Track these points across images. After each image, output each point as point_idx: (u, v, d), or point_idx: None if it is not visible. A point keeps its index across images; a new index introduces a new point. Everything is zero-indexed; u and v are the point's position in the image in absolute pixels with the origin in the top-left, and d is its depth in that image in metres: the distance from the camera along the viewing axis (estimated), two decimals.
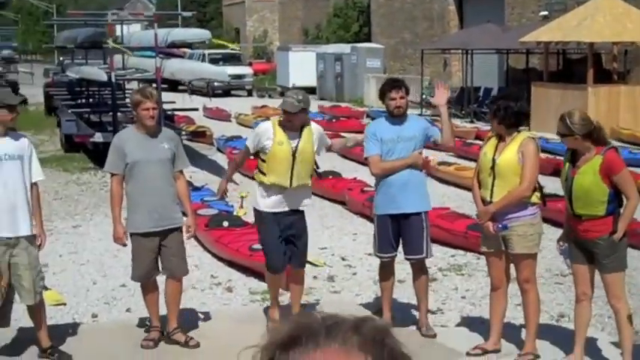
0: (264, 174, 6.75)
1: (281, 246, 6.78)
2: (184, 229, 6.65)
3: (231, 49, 37.25)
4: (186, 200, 6.76)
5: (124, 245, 6.46)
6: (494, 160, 6.19)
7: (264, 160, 6.74)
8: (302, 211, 6.90)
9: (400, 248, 6.92)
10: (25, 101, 6.46)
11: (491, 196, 6.22)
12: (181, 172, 6.71)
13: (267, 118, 10.15)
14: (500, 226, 6.17)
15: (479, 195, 6.35)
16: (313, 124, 6.98)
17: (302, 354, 1.09)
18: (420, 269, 6.94)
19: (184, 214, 6.75)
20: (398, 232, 6.83)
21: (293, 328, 1.14)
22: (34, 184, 6.31)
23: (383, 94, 6.86)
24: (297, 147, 6.68)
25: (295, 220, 6.80)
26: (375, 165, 6.83)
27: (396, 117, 6.82)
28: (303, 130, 6.76)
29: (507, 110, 6.15)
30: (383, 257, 6.94)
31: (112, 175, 6.53)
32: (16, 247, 6.08)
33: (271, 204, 6.76)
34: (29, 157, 6.25)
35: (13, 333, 6.86)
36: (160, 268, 6.62)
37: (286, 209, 6.76)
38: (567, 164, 6.03)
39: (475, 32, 26.89)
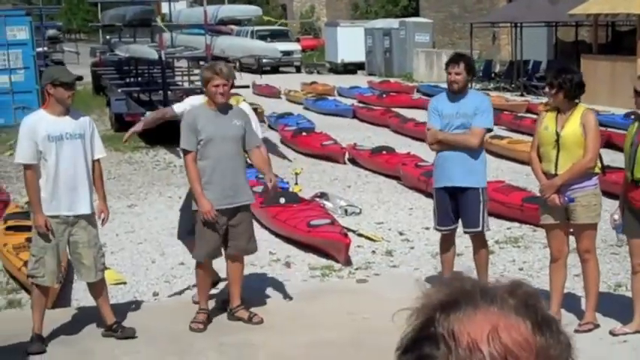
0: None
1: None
2: (271, 187, 6.55)
3: (279, 25, 37.23)
4: (267, 167, 6.64)
5: (215, 219, 6.31)
6: (557, 134, 6.20)
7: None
8: None
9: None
10: (80, 78, 6.43)
11: (555, 169, 6.23)
12: (257, 147, 6.64)
13: (321, 97, 10.00)
14: (566, 198, 6.19)
15: (539, 168, 6.36)
16: (243, 104, 7.06)
17: (464, 316, 1.09)
18: (479, 242, 6.97)
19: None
20: (456, 206, 6.83)
21: (451, 291, 1.13)
22: (96, 161, 6.31)
23: (446, 68, 6.91)
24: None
25: None
26: (430, 136, 6.88)
27: (455, 92, 6.76)
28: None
29: (572, 82, 6.16)
30: (442, 230, 7.00)
31: (186, 152, 6.41)
32: (75, 226, 6.10)
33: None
34: (90, 135, 6.24)
35: (74, 312, 6.93)
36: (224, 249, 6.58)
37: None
38: (635, 128, 6.08)
39: (524, 5, 26.53)
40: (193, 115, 6.49)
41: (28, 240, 7.33)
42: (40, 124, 6.05)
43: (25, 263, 7.14)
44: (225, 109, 6.47)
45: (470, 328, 1.07)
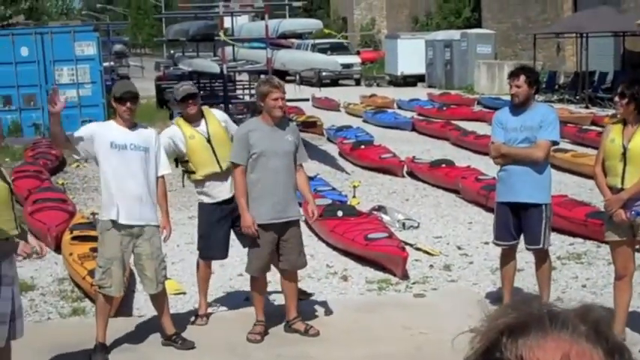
0: (193, 172, 6.94)
1: (222, 234, 6.94)
2: (310, 215, 6.66)
3: (338, 38, 37.34)
4: (307, 190, 6.80)
5: (255, 234, 6.43)
6: (624, 146, 6.07)
7: (186, 161, 6.94)
8: None
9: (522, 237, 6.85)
10: (132, 93, 6.55)
11: (622, 183, 6.11)
12: (301, 165, 6.72)
13: (381, 110, 10.04)
14: (633, 212, 6.06)
15: (604, 183, 6.23)
16: (213, 110, 7.29)
17: (532, 341, 1.05)
18: (541, 258, 6.88)
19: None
20: (519, 221, 6.74)
21: (518, 314, 1.09)
22: (160, 178, 6.40)
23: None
24: (207, 132, 6.87)
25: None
26: (493, 149, 6.80)
27: (517, 105, 6.70)
28: (204, 116, 6.96)
29: None
30: (500, 244, 6.94)
31: (236, 165, 6.50)
32: (139, 238, 6.21)
33: (213, 193, 6.90)
34: (156, 150, 6.34)
35: (136, 321, 7.06)
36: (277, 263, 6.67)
37: (226, 197, 6.83)
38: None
39: (590, 15, 26.18)
40: (247, 128, 6.57)
41: (93, 250, 7.52)
42: (106, 130, 6.24)
43: (90, 272, 7.33)
44: (280, 123, 6.53)
45: (539, 355, 1.03)
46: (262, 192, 6.41)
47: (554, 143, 6.88)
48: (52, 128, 6.33)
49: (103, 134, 6.18)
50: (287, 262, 6.60)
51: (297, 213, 6.62)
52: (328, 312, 7.20)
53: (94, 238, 7.06)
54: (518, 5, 34.98)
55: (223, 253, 7.11)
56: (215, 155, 6.84)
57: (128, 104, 6.17)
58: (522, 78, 6.65)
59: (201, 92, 23.09)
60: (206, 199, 6.97)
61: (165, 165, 6.45)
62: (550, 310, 1.09)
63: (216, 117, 7.08)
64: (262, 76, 6.77)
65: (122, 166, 6.13)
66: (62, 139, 6.24)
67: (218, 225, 6.90)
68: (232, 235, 7.06)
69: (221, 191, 6.90)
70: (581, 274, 8.39)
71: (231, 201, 6.77)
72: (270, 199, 6.40)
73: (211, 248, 7.00)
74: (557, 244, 9.06)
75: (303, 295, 7.44)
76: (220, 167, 6.83)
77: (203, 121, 6.93)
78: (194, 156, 6.88)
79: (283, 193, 6.44)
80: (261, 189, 6.41)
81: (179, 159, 7.06)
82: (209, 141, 6.86)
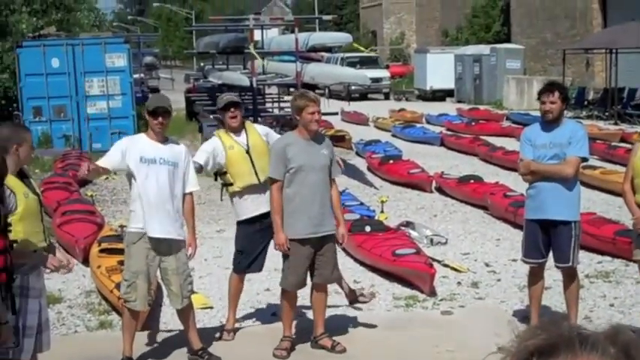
0: (231, 184, 6.90)
1: (262, 248, 6.96)
2: (339, 238, 6.67)
3: (367, 53, 37.38)
4: (339, 209, 6.79)
5: (287, 251, 6.44)
6: None
7: (225, 173, 6.91)
8: None
9: (551, 254, 6.80)
10: (164, 107, 6.57)
11: None
12: (334, 180, 6.73)
13: (409, 124, 10.03)
14: None
15: (633, 201, 6.18)
16: (255, 124, 7.36)
17: None
18: (569, 276, 6.83)
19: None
20: (548, 238, 6.68)
21: (548, 336, 1.09)
22: (188, 194, 6.40)
23: (538, 97, 6.78)
24: (247, 143, 6.86)
25: None
26: (523, 167, 6.76)
27: (549, 122, 6.66)
28: (245, 128, 6.97)
29: None
30: (529, 262, 6.89)
31: (273, 181, 6.48)
32: (165, 252, 6.22)
33: (252, 208, 6.86)
34: (185, 166, 6.33)
35: (162, 335, 7.07)
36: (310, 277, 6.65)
37: (264, 210, 6.77)
38: None
39: (619, 31, 26.02)
40: (284, 143, 6.55)
41: (121, 263, 7.52)
42: (136, 144, 6.29)
43: (117, 285, 7.34)
44: (315, 137, 6.55)
45: None
46: (299, 207, 6.41)
47: (584, 160, 6.84)
48: (90, 178, 6.55)
49: (132, 148, 6.23)
50: (321, 276, 6.59)
51: (333, 227, 6.61)
52: (355, 328, 7.18)
53: (122, 251, 7.07)
54: (548, 21, 34.86)
55: (260, 267, 7.10)
56: (254, 167, 6.83)
57: (160, 118, 6.21)
58: (557, 94, 6.61)
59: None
60: (244, 213, 6.95)
61: (193, 182, 6.44)
62: (579, 332, 1.08)
63: (257, 130, 7.11)
64: (297, 90, 6.78)
65: (150, 180, 6.16)
66: (100, 174, 6.43)
67: (256, 239, 6.90)
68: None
69: (260, 204, 6.85)
70: (609, 293, 8.31)
71: (268, 215, 6.72)
72: (307, 213, 6.40)
73: (249, 261, 6.98)
74: (586, 262, 8.98)
75: (363, 297, 7.50)
76: (258, 179, 6.81)
77: (244, 133, 6.95)
78: (233, 167, 6.87)
79: (320, 208, 6.44)
80: (299, 203, 6.41)
81: (218, 171, 7.04)
82: (248, 152, 6.86)
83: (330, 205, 6.58)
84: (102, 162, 6.34)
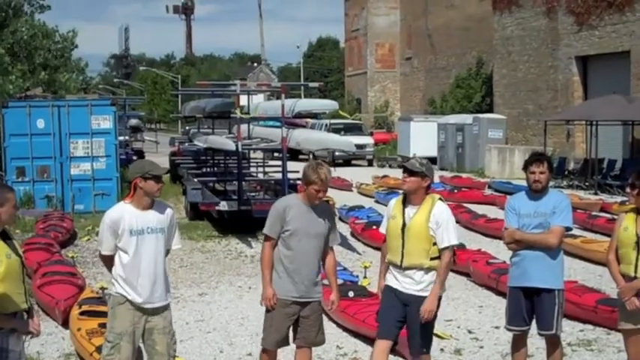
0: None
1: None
2: (329, 304, 6.67)
3: (351, 120, 37.71)
4: (333, 276, 6.80)
5: (273, 307, 6.42)
6: (637, 235, 6.13)
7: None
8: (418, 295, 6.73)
9: (534, 322, 6.83)
10: (168, 171, 6.50)
11: (635, 271, 6.15)
12: (331, 248, 6.74)
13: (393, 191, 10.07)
14: None
15: (618, 271, 6.24)
16: (440, 203, 6.62)
17: None
18: (553, 344, 6.86)
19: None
20: (531, 306, 6.72)
21: None
22: (167, 250, 6.29)
23: (525, 167, 6.84)
24: (409, 220, 6.47)
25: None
26: (507, 235, 6.82)
27: (536, 191, 6.74)
28: (424, 203, 6.52)
29: None
30: (512, 329, 6.91)
31: (267, 238, 6.51)
32: (152, 312, 6.14)
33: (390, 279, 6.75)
34: (169, 227, 6.23)
35: None
36: (292, 339, 6.62)
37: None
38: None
39: (600, 103, 26.44)
40: (286, 203, 6.56)
41: (102, 325, 7.44)
42: (122, 218, 6.05)
43: (98, 349, 7.24)
44: (317, 205, 6.56)
45: None
46: (289, 270, 6.43)
47: (568, 229, 6.91)
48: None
49: (120, 224, 6.04)
50: (304, 339, 6.58)
51: (319, 294, 6.61)
52: None
53: (103, 314, 6.99)
54: (530, 92, 35.37)
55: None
56: (402, 248, 6.59)
57: (161, 183, 6.08)
58: (546, 164, 6.72)
59: (215, 169, 23.32)
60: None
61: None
62: None
63: (433, 208, 6.59)
64: (314, 160, 6.58)
65: (139, 249, 6.04)
66: None
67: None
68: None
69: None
70: None
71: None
72: (296, 276, 6.43)
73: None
74: (568, 330, 8.98)
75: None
76: (401, 262, 6.60)
77: (418, 207, 6.62)
78: (387, 237, 6.78)
79: (308, 274, 6.47)
80: (288, 267, 6.43)
81: None
82: (403, 230, 6.56)
83: (319, 272, 6.60)
84: (105, 251, 6.18)
